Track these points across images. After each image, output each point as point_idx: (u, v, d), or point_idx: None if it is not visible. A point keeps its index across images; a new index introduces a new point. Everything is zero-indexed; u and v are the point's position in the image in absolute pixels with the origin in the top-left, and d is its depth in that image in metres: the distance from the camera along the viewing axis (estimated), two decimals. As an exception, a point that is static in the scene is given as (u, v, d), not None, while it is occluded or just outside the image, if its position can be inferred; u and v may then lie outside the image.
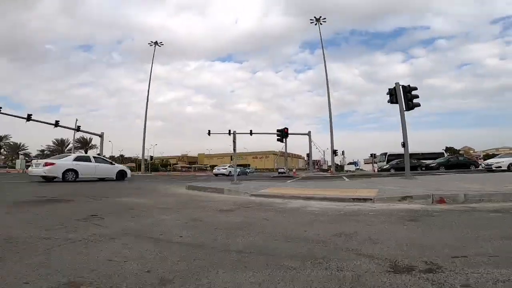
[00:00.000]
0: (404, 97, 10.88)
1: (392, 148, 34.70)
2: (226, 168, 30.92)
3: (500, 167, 17.65)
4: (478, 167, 24.33)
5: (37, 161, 15.02)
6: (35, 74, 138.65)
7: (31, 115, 27.93)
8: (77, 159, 13.90)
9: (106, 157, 29.47)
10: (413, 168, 27.06)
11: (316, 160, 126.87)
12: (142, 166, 56.90)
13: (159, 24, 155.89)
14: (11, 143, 74.75)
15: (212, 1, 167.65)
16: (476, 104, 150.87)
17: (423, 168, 24.55)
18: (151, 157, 63.35)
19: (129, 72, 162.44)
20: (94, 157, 15.13)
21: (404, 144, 10.63)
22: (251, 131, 39.14)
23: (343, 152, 52.67)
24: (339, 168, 66.21)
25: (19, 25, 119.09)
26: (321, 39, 50.23)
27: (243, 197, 6.90)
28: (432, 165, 24.12)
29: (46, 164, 12.90)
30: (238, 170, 51.08)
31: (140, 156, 62.30)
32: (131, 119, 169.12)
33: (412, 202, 5.04)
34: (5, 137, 72.73)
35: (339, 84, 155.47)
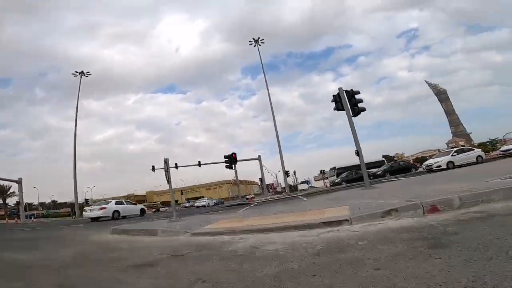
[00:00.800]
0: (349, 102, 10.43)
1: (339, 162, 35.86)
2: (106, 208, 18.15)
3: (440, 166, 18.67)
4: (418, 169, 26.05)
5: (92, 206, 19.56)
6: None
7: None
8: (117, 203, 18.87)
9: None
10: (360, 178, 27.93)
11: (269, 184, 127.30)
12: (77, 211, 49.18)
13: (90, 54, 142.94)
14: None
15: (150, 29, 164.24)
16: (394, 115, 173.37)
17: (371, 177, 25.27)
18: (86, 200, 55.28)
19: (56, 109, 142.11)
20: (125, 201, 20.57)
21: (358, 153, 9.98)
22: (199, 162, 36.98)
23: (294, 172, 53.30)
24: (293, 188, 66.61)
25: None
26: (261, 61, 51.18)
27: (181, 239, 5.05)
28: (378, 173, 25.02)
29: (101, 209, 17.72)
30: (206, 202, 48.83)
31: (81, 201, 56.29)
32: (62, 161, 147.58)
33: (400, 216, 3.80)
34: None
35: (282, 107, 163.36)
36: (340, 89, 10.70)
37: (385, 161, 35.48)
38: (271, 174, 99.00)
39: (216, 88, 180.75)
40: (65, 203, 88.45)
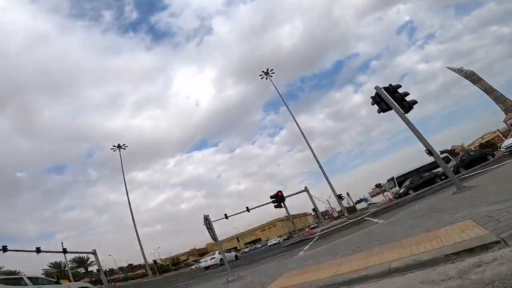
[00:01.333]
0: (394, 99, 8.83)
1: (390, 172, 32.31)
2: (214, 257, 23.25)
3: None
4: (495, 156, 21.96)
5: (205, 258, 25.61)
6: (15, 208, 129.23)
7: (39, 247, 28.68)
8: (219, 253, 20.48)
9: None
10: (430, 181, 24.24)
11: (323, 212, 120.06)
12: (149, 271, 50.29)
13: (122, 125, 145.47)
14: (6, 271, 67.88)
15: (167, 90, 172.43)
16: (432, 108, 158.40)
17: (443, 177, 21.75)
18: (155, 261, 56.65)
19: (111, 185, 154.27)
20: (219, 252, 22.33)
21: (430, 152, 8.03)
22: (247, 207, 36.03)
23: (348, 194, 49.22)
24: (351, 209, 61.33)
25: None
26: (277, 91, 50.76)
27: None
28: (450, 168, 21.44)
29: (211, 258, 22.64)
30: (277, 240, 47.80)
31: (150, 261, 59.72)
32: (126, 229, 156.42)
33: None
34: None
35: (313, 133, 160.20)
36: (377, 87, 9.23)
37: (450, 157, 31.02)
38: (323, 202, 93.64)
39: (244, 133, 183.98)
40: (140, 265, 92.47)
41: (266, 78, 50.49)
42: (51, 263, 68.69)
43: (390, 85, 9.11)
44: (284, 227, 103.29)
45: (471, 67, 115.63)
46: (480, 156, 22.31)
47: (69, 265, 51.82)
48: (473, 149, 57.76)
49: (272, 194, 17.99)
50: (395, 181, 29.39)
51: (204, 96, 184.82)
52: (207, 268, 22.85)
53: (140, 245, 51.65)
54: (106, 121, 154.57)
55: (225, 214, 41.02)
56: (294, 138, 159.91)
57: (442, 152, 49.96)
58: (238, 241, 54.18)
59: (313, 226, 69.52)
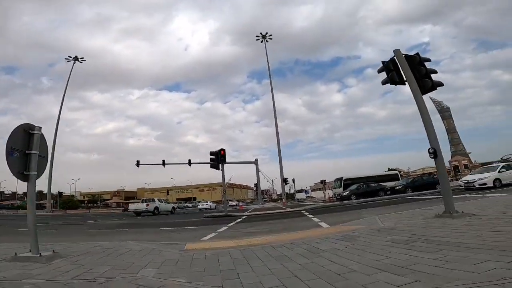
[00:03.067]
0: (415, 72, 6.13)
1: (338, 174, 31.78)
2: (149, 204, 22.34)
3: (485, 183, 14.54)
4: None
5: (140, 202, 24.01)
6: None
7: None
8: (158, 201, 23.63)
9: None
10: (375, 192, 23.64)
11: (265, 190, 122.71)
12: (48, 204, 44.58)
13: (100, 47, 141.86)
14: None
15: (161, 27, 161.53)
16: (397, 130, 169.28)
17: (388, 192, 21.02)
18: (60, 193, 50.79)
19: (58, 99, 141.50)
20: (163, 200, 27.75)
21: (435, 152, 5.52)
22: (189, 160, 33.39)
23: (293, 180, 48.76)
24: (290, 196, 62.22)
25: None
26: (267, 59, 47.60)
27: None
28: (398, 187, 20.72)
29: (147, 205, 22.19)
30: (208, 205, 46.27)
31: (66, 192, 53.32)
32: (60, 151, 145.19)
33: None
34: None
35: (285, 113, 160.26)
36: (397, 51, 6.40)
37: (399, 175, 31.25)
38: (268, 180, 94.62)
39: (220, 90, 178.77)
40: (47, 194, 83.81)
41: (262, 41, 46.44)
42: None
43: (417, 54, 6.33)
44: (222, 193, 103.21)
45: (451, 104, 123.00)
46: (431, 182, 21.95)
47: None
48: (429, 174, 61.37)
49: (227, 158, 14.97)
50: (343, 182, 28.65)
51: (196, 44, 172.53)
52: (138, 214, 21.58)
53: (51, 168, 44.79)
54: (86, 39, 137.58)
55: (163, 160, 37.59)
56: (265, 112, 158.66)
57: (390, 170, 51.99)
58: (168, 193, 50.96)
59: (249, 201, 69.72)
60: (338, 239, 4.26)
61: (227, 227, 8.77)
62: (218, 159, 14.96)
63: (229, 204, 50.02)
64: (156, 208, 21.76)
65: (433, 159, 5.61)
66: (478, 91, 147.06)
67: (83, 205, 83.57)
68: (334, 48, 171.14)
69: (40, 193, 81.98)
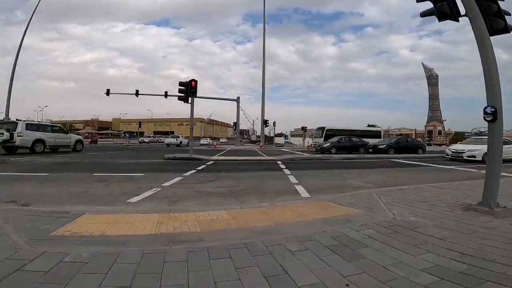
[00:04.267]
0: (481, 8, 3.69)
1: (320, 123, 30.45)
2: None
3: (474, 156, 13.46)
4: (425, 151, 21.02)
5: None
6: None
7: None
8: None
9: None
10: (356, 148, 22.62)
11: (245, 130, 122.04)
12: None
13: None
14: None
15: None
16: (384, 89, 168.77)
17: (370, 150, 19.97)
18: (12, 121, 46.38)
19: (35, 30, 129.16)
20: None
21: (494, 113, 3.53)
22: (166, 92, 30.40)
23: (274, 123, 47.18)
24: (269, 139, 61.76)
25: None
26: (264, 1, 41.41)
27: None
28: (380, 146, 19.62)
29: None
30: (178, 141, 44.24)
31: (23, 119, 48.24)
32: (31, 79, 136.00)
33: None
34: None
35: (275, 58, 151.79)
36: None
37: (381, 132, 30.41)
38: (249, 120, 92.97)
39: (212, 29, 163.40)
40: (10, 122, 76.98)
41: None
42: None
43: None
44: (202, 130, 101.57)
45: (440, 73, 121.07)
46: (414, 146, 21.01)
47: None
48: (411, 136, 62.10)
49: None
50: (324, 132, 27.36)
51: None
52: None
53: (10, 91, 38.63)
54: None
55: (137, 91, 34.03)
56: (256, 54, 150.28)
57: (370, 125, 51.42)
58: (140, 126, 47.91)
59: (225, 141, 68.68)
60: (329, 246, 2.42)
61: (179, 179, 6.90)
62: (188, 90, 12.33)
63: (201, 142, 48.16)
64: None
65: (487, 121, 3.62)
66: (471, 64, 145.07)
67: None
68: (337, 2, 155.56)
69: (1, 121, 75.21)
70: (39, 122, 19.06)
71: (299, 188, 5.92)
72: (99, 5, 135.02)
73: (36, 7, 42.29)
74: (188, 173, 7.91)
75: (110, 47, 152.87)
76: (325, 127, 27.91)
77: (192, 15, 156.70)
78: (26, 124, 14.48)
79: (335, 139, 22.76)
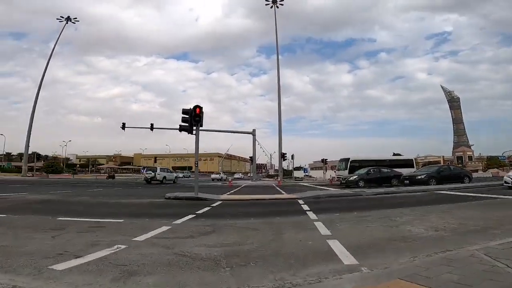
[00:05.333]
0: None
1: (337, 154, 28.08)
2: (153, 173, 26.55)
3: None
4: (472, 179, 17.89)
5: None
6: None
7: None
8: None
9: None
10: (387, 179, 19.84)
11: (262, 164, 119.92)
12: (24, 167, 41.43)
13: (108, 14, 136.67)
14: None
15: None
16: (402, 115, 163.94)
17: (407, 182, 17.20)
18: (38, 155, 47.52)
19: (67, 64, 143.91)
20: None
21: None
22: (180, 126, 29.58)
23: (292, 156, 44.96)
24: (287, 173, 59.11)
25: None
26: (276, 27, 42.54)
27: None
28: (420, 177, 16.85)
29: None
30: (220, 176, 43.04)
31: (61, 155, 50.57)
32: (62, 113, 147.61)
33: None
34: None
35: (290, 90, 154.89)
36: None
37: (414, 161, 27.33)
38: (266, 154, 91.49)
39: (228, 62, 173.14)
40: (51, 157, 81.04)
41: (271, 7, 43.09)
42: None
43: None
44: (220, 165, 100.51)
45: (462, 95, 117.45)
46: (458, 174, 18.02)
47: None
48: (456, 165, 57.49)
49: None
50: (349, 164, 24.84)
51: (207, 15, 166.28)
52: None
53: (30, 128, 40.12)
54: (93, 5, 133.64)
55: (151, 125, 33.73)
56: (271, 86, 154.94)
57: (395, 154, 47.89)
58: (155, 161, 47.12)
59: (239, 176, 66.32)
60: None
61: (165, 229, 4.99)
62: (192, 118, 10.88)
63: (213, 176, 45.71)
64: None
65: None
66: (491, 84, 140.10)
67: (76, 168, 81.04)
68: (348, 29, 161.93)
69: (8, 155, 78.31)
70: (162, 167, 31.30)
71: (335, 246, 3.80)
72: (124, 39, 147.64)
73: (56, 42, 45.28)
74: (181, 220, 5.96)
75: (133, 81, 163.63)
76: (349, 158, 25.43)
77: (209, 49, 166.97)
78: (160, 168, 28.39)
79: (362, 170, 20.22)
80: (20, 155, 58.66)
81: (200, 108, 10.90)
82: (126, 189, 18.06)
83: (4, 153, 75.41)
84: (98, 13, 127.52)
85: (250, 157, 37.61)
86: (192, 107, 10.97)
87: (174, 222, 5.66)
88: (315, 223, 5.55)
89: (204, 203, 8.98)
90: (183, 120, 11.15)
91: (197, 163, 11.02)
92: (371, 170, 19.81)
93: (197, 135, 11.04)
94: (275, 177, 51.08)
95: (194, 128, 11.08)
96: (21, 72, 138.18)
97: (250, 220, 6.17)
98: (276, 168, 71.23)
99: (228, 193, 13.74)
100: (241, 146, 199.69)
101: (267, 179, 54.48)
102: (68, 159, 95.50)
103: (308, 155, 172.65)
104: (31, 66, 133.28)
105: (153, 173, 26.04)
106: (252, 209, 8.09)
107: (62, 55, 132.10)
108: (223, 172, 62.06)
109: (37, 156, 53.33)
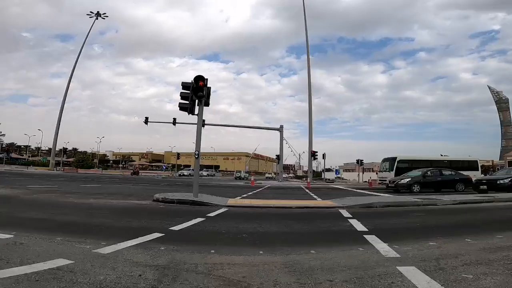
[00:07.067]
0: None
1: (368, 156, 23.73)
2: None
3: None
4: None
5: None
6: (5, 62, 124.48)
7: None
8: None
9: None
10: (450, 184, 15.54)
11: (290, 165, 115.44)
12: (52, 161, 42.40)
13: (145, 17, 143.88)
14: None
15: None
16: (442, 117, 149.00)
17: (483, 187, 12.93)
18: (65, 150, 48.78)
19: (108, 65, 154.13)
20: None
21: None
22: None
23: (324, 155, 40.82)
24: (317, 175, 54.84)
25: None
26: (305, 27, 38.79)
27: None
28: (502, 181, 12.51)
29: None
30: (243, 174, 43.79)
31: (99, 151, 53.67)
32: (105, 112, 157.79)
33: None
34: None
35: (321, 91, 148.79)
36: None
37: (478, 163, 22.22)
38: (294, 154, 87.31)
39: (258, 62, 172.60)
40: (86, 152, 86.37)
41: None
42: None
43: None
44: (247, 164, 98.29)
45: (511, 96, 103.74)
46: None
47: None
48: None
49: (185, 81, 7.91)
50: (395, 164, 20.63)
51: (237, 16, 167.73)
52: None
53: (59, 123, 41.78)
54: (132, 8, 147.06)
55: (174, 119, 31.97)
56: (301, 87, 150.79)
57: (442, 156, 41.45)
58: (178, 158, 45.86)
59: (271, 176, 63.21)
60: None
61: (52, 267, 2.04)
62: (194, 89, 8.02)
63: (235, 175, 43.73)
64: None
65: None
66: None
67: (111, 164, 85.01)
68: (383, 28, 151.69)
69: (38, 149, 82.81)
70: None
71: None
72: (160, 41, 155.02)
73: (86, 38, 45.75)
74: (115, 247, 3.00)
75: (168, 82, 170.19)
76: (396, 157, 21.13)
77: (239, 49, 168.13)
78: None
79: (416, 172, 16.09)
80: (61, 151, 62.42)
81: (204, 80, 7.98)
82: (131, 186, 15.94)
83: (47, 148, 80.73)
84: (137, 15, 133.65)
85: (277, 155, 34.36)
86: (193, 80, 8.11)
87: (94, 250, 2.76)
88: (404, 272, 2.30)
89: (198, 211, 6.02)
90: (182, 96, 8.34)
91: (198, 154, 8.13)
92: (429, 171, 15.62)
93: (199, 116, 8.19)
94: (304, 178, 47.24)
95: (197, 106, 8.22)
96: (68, 73, 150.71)
97: (256, 256, 3.04)
98: (305, 169, 66.97)
99: (243, 195, 10.72)
100: (269, 147, 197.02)
101: (295, 180, 50.81)
102: (105, 155, 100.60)
103: (338, 157, 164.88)
104: (76, 67, 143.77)
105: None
106: (267, 225, 4.97)
107: (105, 56, 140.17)
108: (248, 172, 59.63)
109: (65, 151, 55.15)
